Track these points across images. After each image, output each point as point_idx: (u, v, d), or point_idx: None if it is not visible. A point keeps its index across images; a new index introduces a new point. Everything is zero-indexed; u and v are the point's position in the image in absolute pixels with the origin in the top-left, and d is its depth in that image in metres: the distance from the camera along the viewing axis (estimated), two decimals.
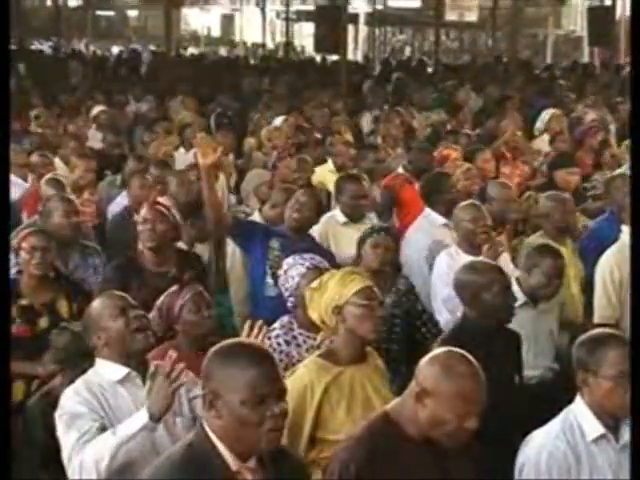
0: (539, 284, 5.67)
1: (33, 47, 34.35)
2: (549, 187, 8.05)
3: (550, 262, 5.67)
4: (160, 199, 7.10)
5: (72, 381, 4.21)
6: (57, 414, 4.03)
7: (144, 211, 6.05)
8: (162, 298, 4.98)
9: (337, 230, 7.11)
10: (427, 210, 7.27)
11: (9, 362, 4.10)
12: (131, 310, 4.24)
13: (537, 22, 37.98)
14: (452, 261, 6.19)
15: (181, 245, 6.57)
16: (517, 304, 5.27)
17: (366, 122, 13.60)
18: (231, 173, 9.96)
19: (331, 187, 8.23)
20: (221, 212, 6.37)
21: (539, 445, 3.79)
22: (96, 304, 4.31)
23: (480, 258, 5.80)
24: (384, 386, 4.45)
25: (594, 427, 3.76)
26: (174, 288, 5.02)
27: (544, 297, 5.72)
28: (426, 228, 7.14)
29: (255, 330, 4.38)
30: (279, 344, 4.99)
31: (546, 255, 5.72)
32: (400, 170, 8.95)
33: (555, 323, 5.92)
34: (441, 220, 7.11)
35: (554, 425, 3.83)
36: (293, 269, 5.20)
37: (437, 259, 6.44)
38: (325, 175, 9.07)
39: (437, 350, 3.57)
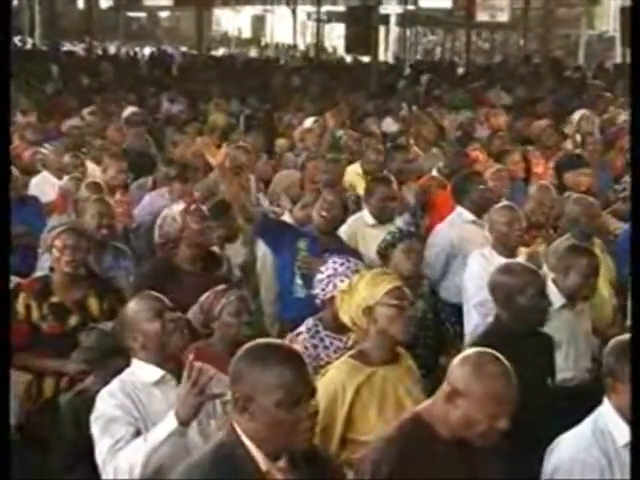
0: (576, 284, 5.63)
1: (65, 49, 34.58)
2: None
3: (585, 261, 5.64)
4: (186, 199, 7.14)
5: (104, 380, 4.22)
6: (92, 417, 4.02)
7: (196, 211, 6.10)
8: (207, 294, 4.99)
9: (365, 232, 7.10)
10: (459, 208, 7.29)
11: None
12: (167, 312, 4.21)
13: (569, 22, 37.75)
14: (486, 263, 6.17)
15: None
16: (556, 306, 5.24)
17: (386, 124, 13.56)
18: (263, 173, 9.98)
19: (359, 190, 8.23)
20: (247, 211, 6.41)
21: (571, 452, 3.73)
22: (132, 305, 4.27)
23: (516, 260, 5.76)
24: (415, 387, 4.44)
25: (623, 432, 3.73)
26: (221, 287, 5.04)
27: (582, 297, 5.69)
28: (456, 223, 7.18)
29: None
30: (306, 348, 4.98)
31: (580, 255, 5.69)
32: (434, 173, 8.95)
33: (590, 324, 5.89)
34: (471, 217, 7.14)
35: (584, 431, 3.79)
36: (324, 269, 5.20)
37: (470, 260, 6.42)
38: (352, 177, 9.07)
39: (469, 350, 3.57)
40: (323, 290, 5.15)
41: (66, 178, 7.96)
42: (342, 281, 4.99)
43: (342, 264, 5.16)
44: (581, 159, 8.75)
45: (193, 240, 6.04)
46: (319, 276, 5.21)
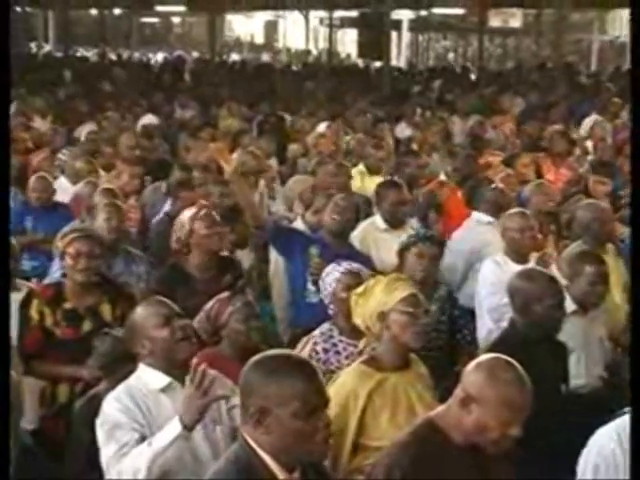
0: (584, 291, 5.63)
1: (78, 54, 34.68)
2: (584, 193, 8.05)
3: (592, 269, 5.63)
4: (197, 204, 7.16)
5: (116, 386, 4.20)
6: (98, 421, 4.02)
7: (206, 216, 6.11)
8: (212, 302, 4.98)
9: (377, 236, 7.10)
10: (475, 213, 7.30)
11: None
12: (176, 319, 4.19)
13: (582, 28, 37.70)
14: (499, 269, 6.17)
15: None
16: (568, 312, 5.23)
17: (400, 129, 13.57)
18: (274, 178, 10.00)
19: (364, 189, 8.25)
20: (259, 217, 6.42)
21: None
22: (140, 311, 4.25)
23: (537, 267, 5.74)
24: (427, 393, 4.43)
25: None
26: (225, 294, 5.03)
27: (591, 304, 5.68)
28: (473, 227, 7.19)
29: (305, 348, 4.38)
30: (317, 352, 4.99)
31: (588, 262, 5.68)
32: (442, 177, 8.94)
33: (604, 330, 5.88)
34: (487, 218, 7.15)
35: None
36: (329, 276, 5.22)
37: (483, 266, 6.42)
38: (355, 176, 9.08)
39: (483, 356, 3.56)
40: (325, 296, 5.18)
41: (81, 183, 7.98)
42: (339, 282, 5.03)
43: (335, 268, 5.21)
44: (606, 166, 8.73)
45: (201, 246, 6.05)
46: (320, 282, 5.26)
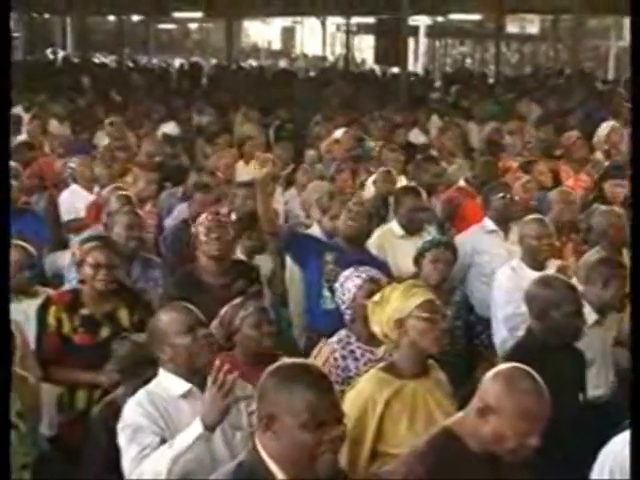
0: (610, 297, 5.59)
1: (96, 60, 34.80)
2: (601, 199, 8.02)
3: (618, 274, 5.60)
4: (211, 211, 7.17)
5: (135, 391, 4.20)
6: (119, 426, 4.03)
7: (207, 221, 6.10)
8: (226, 308, 4.98)
9: (394, 243, 7.10)
10: (485, 219, 7.29)
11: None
12: (199, 328, 4.17)
13: (599, 34, 37.59)
14: (515, 276, 6.15)
15: (239, 256, 6.63)
16: (589, 323, 5.20)
17: (414, 135, 13.56)
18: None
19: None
20: (274, 224, 6.42)
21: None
22: (163, 317, 4.23)
23: (556, 274, 5.72)
24: (446, 399, 4.42)
25: None
26: (238, 300, 5.02)
27: (612, 310, 5.65)
28: (476, 233, 7.20)
29: (323, 353, 4.36)
30: (336, 359, 4.99)
31: (608, 267, 5.66)
32: (462, 183, 8.93)
33: (613, 337, 5.86)
34: (491, 227, 7.15)
35: None
36: (349, 281, 5.21)
37: (498, 273, 6.40)
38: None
39: (501, 366, 3.54)
40: (343, 302, 5.17)
41: (107, 189, 7.99)
42: (360, 289, 5.02)
43: (355, 274, 5.20)
44: (622, 170, 8.70)
45: (203, 251, 6.04)
46: (337, 287, 5.25)
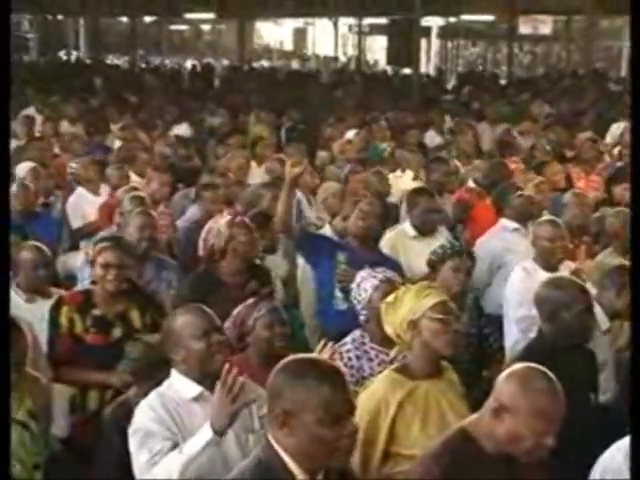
0: (617, 305, 5.58)
1: (109, 62, 34.87)
2: (609, 202, 8.00)
3: (624, 279, 5.58)
4: (230, 211, 7.19)
5: (147, 392, 4.20)
6: (130, 430, 4.02)
7: (240, 223, 6.13)
8: (239, 308, 4.98)
9: (407, 243, 7.10)
10: (502, 219, 7.29)
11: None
12: (214, 333, 4.14)
13: (611, 34, 37.50)
14: (528, 278, 6.12)
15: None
16: (603, 328, 5.18)
17: (430, 137, 13.55)
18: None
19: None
20: (289, 224, 6.42)
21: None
22: (180, 319, 4.19)
23: (565, 275, 5.71)
24: (459, 401, 4.41)
25: None
26: (251, 300, 5.03)
27: (623, 318, 5.63)
28: (498, 234, 7.19)
29: (326, 351, 4.37)
30: (350, 359, 4.98)
31: (623, 275, 5.63)
32: (471, 183, 8.92)
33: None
34: (513, 225, 7.14)
35: None
36: (365, 282, 5.20)
37: (512, 274, 6.38)
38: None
39: (516, 366, 3.53)
40: (358, 302, 5.17)
41: (121, 190, 8.00)
42: (376, 290, 5.02)
43: (372, 274, 5.19)
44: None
45: (240, 252, 6.06)
46: (353, 287, 5.25)
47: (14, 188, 7.82)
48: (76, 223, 8.77)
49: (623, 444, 3.75)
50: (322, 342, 4.44)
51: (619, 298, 5.54)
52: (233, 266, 6.07)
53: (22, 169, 8.91)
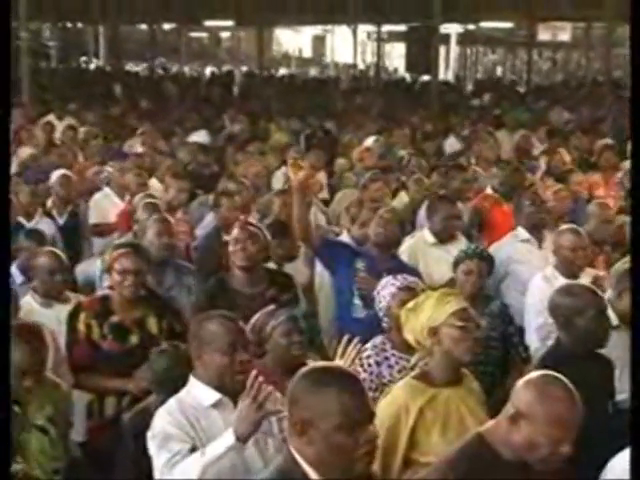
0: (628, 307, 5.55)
1: (128, 69, 35.03)
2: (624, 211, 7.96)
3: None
4: (249, 218, 7.18)
5: (166, 400, 4.19)
6: (149, 434, 4.02)
7: (236, 231, 6.08)
8: (257, 315, 4.95)
9: (426, 251, 7.08)
10: (518, 228, 7.25)
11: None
12: (241, 351, 4.10)
13: None
14: (547, 286, 6.07)
15: (270, 264, 6.61)
16: (613, 325, 5.16)
17: (449, 144, 13.54)
18: (322, 187, 10.03)
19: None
20: (309, 232, 6.39)
21: None
22: (211, 327, 4.12)
23: (576, 281, 5.68)
24: (479, 408, 4.38)
25: None
26: (270, 308, 5.00)
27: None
28: (509, 242, 7.15)
29: (351, 350, 4.36)
30: (370, 365, 4.97)
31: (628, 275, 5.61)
32: (489, 190, 8.90)
33: None
34: (525, 235, 7.09)
35: None
36: (385, 289, 5.20)
37: (531, 284, 6.35)
38: None
39: (533, 373, 3.52)
40: (380, 309, 5.16)
41: (139, 196, 8.03)
42: (395, 298, 5.02)
43: (391, 282, 5.18)
44: None
45: (236, 261, 6.02)
46: (375, 295, 5.24)
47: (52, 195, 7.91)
48: (94, 219, 8.88)
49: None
50: (345, 338, 4.43)
51: (621, 300, 5.52)
52: (240, 275, 5.98)
53: (54, 175, 8.97)
